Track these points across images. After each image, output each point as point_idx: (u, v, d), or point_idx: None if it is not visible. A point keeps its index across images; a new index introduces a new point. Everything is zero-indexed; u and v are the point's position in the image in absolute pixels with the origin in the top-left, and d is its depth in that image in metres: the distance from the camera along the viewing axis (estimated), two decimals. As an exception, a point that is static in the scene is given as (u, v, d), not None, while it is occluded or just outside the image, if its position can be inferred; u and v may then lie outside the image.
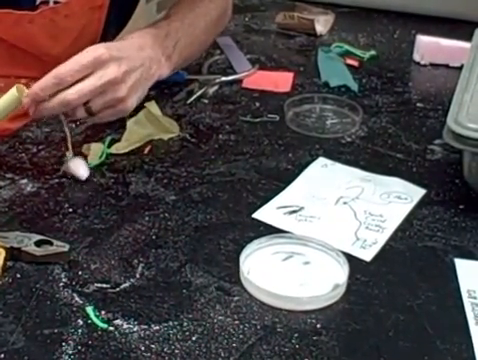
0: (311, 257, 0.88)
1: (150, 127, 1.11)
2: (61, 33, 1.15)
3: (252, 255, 0.87)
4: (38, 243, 0.86)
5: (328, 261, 0.87)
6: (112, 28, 1.26)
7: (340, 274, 0.85)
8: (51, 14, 1.13)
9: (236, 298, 0.82)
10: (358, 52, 1.41)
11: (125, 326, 0.77)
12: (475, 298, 0.82)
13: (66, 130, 1.02)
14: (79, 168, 1.01)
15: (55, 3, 1.13)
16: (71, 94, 0.96)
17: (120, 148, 1.07)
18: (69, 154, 1.02)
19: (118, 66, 0.98)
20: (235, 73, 1.32)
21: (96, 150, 1.05)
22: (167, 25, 1.13)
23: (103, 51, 0.98)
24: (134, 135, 1.09)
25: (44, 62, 1.19)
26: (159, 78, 1.08)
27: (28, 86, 1.20)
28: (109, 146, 1.06)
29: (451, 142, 0.95)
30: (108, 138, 1.08)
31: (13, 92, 0.95)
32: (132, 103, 1.02)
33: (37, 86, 0.96)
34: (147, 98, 1.18)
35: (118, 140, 1.09)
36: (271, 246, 0.89)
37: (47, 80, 0.96)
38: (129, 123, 1.10)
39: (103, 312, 0.79)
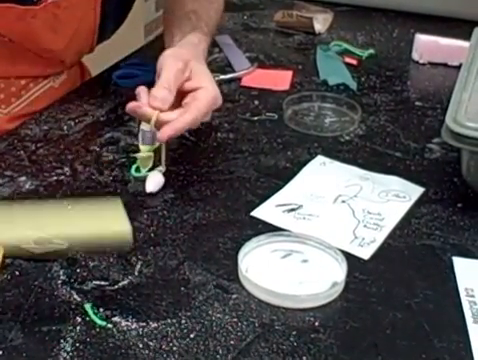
0: (309, 255, 0.88)
1: None
2: (61, 27, 1.16)
3: (251, 253, 0.87)
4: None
5: (326, 259, 0.87)
6: (110, 23, 1.26)
7: (338, 272, 0.85)
8: (53, 8, 1.13)
9: (234, 296, 0.82)
10: (357, 51, 1.41)
11: (123, 323, 0.78)
12: (473, 296, 0.83)
13: (163, 151, 1.01)
14: (151, 181, 0.99)
15: None
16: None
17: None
18: (162, 167, 1.01)
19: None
20: (234, 71, 1.32)
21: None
22: (205, 27, 1.15)
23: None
24: None
25: (44, 60, 1.19)
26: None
27: (28, 88, 1.20)
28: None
29: (449, 141, 0.95)
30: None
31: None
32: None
33: (181, 124, 0.96)
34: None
35: (117, 139, 1.09)
36: (270, 244, 0.89)
37: (193, 122, 0.97)
38: None
39: (101, 309, 0.79)
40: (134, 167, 1.02)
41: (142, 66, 1.30)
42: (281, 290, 0.81)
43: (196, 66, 1.03)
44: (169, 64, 1.00)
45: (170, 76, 0.98)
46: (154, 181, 0.99)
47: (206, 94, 0.99)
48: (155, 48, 1.35)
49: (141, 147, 1.01)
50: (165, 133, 0.95)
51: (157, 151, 1.01)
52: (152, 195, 0.98)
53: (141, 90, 0.99)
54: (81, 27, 1.20)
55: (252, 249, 0.88)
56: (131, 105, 0.98)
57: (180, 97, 0.99)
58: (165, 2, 1.28)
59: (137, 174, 1.02)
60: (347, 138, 1.13)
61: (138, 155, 1.01)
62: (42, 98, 1.22)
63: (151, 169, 1.01)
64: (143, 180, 1.00)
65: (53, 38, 1.16)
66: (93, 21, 1.21)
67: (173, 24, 1.17)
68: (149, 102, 0.97)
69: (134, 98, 1.22)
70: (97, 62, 1.38)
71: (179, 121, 0.96)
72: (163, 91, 0.97)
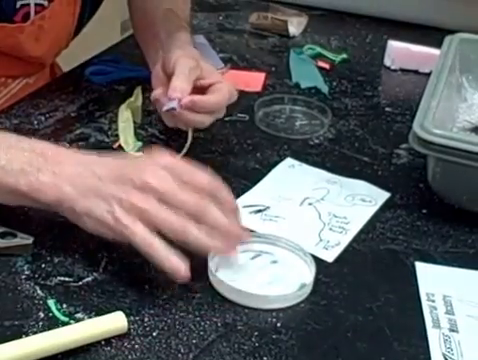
0: (279, 256, 0.89)
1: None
2: (44, 35, 1.16)
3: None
4: (2, 235, 0.86)
5: (296, 261, 0.88)
6: (84, 18, 1.26)
7: (307, 274, 0.86)
8: (39, 20, 1.13)
9: (198, 295, 0.82)
10: (330, 55, 1.42)
11: (86, 320, 0.78)
12: (433, 301, 0.84)
13: (189, 137, 1.05)
14: None
15: (36, 5, 1.12)
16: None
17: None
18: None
19: None
20: (207, 71, 1.32)
21: None
22: (186, 25, 1.17)
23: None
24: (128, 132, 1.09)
25: (26, 62, 1.20)
26: None
27: (6, 84, 1.20)
28: None
29: (416, 147, 0.96)
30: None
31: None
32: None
33: (204, 103, 1.01)
34: (117, 94, 1.19)
35: (88, 135, 1.09)
36: (240, 244, 0.89)
37: (216, 104, 1.02)
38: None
39: (65, 305, 0.79)
40: None
41: (115, 63, 1.31)
42: (250, 290, 0.82)
43: (205, 65, 1.05)
44: (182, 61, 1.01)
45: (185, 71, 1.00)
46: None
47: (226, 86, 1.03)
48: (130, 45, 1.36)
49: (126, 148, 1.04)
50: (188, 98, 0.98)
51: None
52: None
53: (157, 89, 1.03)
54: (61, 32, 1.20)
55: (222, 249, 0.88)
56: (156, 93, 1.02)
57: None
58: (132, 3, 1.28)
59: None
60: (316, 141, 1.14)
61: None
62: (18, 94, 1.22)
63: None
64: None
65: (36, 46, 1.16)
66: (71, 25, 1.22)
67: (154, 23, 1.17)
68: (168, 93, 0.98)
69: (106, 95, 1.23)
70: (72, 57, 1.38)
71: (203, 99, 1.00)
72: (181, 82, 0.99)
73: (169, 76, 1.02)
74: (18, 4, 1.11)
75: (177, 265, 0.79)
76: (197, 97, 1.00)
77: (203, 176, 0.84)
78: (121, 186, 0.81)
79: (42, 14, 1.13)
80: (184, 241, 0.79)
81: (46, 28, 1.15)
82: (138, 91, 1.12)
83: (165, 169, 0.82)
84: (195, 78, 1.01)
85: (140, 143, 1.07)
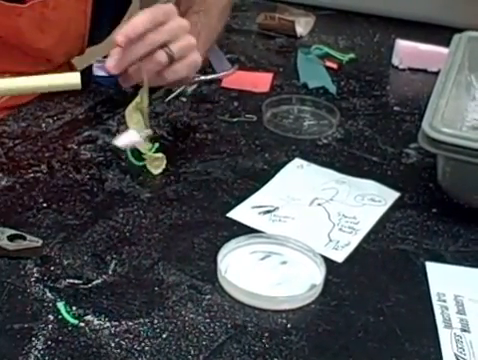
0: (289, 257, 0.88)
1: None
2: (49, 26, 1.15)
3: (230, 254, 0.87)
4: (11, 237, 0.86)
5: (305, 261, 0.88)
6: (103, 28, 1.26)
7: (317, 274, 0.85)
8: (40, 7, 1.12)
9: (208, 297, 0.82)
10: (337, 55, 1.42)
11: (96, 322, 0.77)
12: (444, 301, 0.83)
13: (145, 96, 1.04)
14: (124, 137, 1.01)
15: None
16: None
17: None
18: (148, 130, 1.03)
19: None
20: (214, 72, 1.32)
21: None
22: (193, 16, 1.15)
23: (171, 6, 1.02)
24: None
25: (32, 57, 1.19)
26: (195, 65, 1.08)
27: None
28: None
29: (426, 146, 0.96)
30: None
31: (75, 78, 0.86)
32: (200, 57, 1.05)
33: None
34: (125, 96, 1.18)
35: (95, 137, 1.09)
36: (249, 245, 0.89)
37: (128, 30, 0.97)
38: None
39: (74, 308, 0.79)
40: (130, 153, 1.03)
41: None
42: (260, 291, 0.82)
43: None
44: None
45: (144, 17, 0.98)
46: (127, 138, 1.01)
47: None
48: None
49: (142, 150, 1.03)
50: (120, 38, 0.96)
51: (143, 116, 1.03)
52: (128, 194, 0.98)
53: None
54: (70, 28, 1.20)
55: (231, 250, 0.88)
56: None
57: None
58: None
59: (136, 162, 1.03)
60: (325, 141, 1.14)
61: (145, 156, 1.03)
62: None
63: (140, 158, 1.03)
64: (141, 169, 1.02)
65: (40, 37, 1.16)
66: (83, 24, 1.21)
67: None
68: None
69: (114, 97, 1.23)
70: (84, 60, 1.38)
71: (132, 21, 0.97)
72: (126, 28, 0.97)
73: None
74: None
75: None
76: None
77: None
78: None
79: (43, 1, 1.12)
80: None
81: (51, 19, 1.14)
82: (144, 92, 1.12)
83: None
84: (154, 24, 0.99)
85: (157, 144, 1.07)
